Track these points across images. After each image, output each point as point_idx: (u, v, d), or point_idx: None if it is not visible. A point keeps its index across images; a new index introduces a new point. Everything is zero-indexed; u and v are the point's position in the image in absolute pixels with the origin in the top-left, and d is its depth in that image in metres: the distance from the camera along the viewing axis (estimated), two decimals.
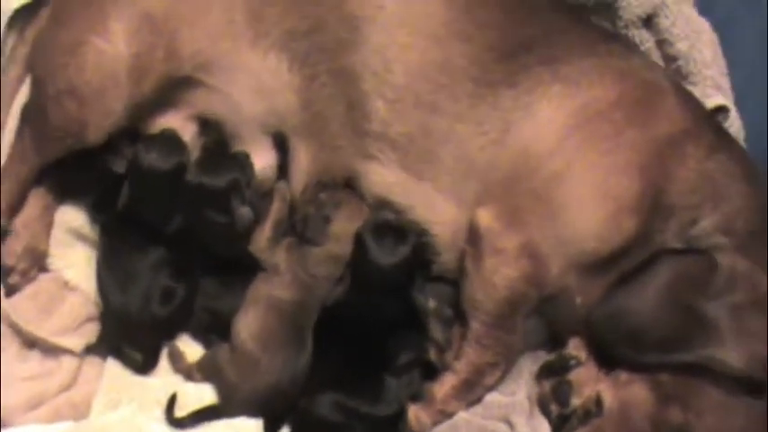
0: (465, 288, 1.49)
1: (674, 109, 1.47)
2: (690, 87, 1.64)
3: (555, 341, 1.55)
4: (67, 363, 1.63)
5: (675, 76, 1.66)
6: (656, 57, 1.69)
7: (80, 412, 1.59)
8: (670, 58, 1.68)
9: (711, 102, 1.64)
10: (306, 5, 1.55)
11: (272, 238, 1.60)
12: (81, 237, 1.70)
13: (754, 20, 1.70)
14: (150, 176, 1.58)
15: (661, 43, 1.69)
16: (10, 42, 1.75)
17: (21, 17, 1.73)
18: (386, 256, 1.52)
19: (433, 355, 1.55)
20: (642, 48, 1.69)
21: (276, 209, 1.61)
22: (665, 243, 1.44)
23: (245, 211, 1.57)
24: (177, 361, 1.63)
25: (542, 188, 1.44)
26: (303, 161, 1.60)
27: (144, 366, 1.62)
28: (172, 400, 1.55)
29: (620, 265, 1.44)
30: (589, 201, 1.42)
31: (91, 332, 1.65)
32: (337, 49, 1.53)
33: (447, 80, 1.50)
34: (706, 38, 1.68)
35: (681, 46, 1.66)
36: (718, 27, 1.70)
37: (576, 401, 1.46)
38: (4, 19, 1.72)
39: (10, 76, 1.72)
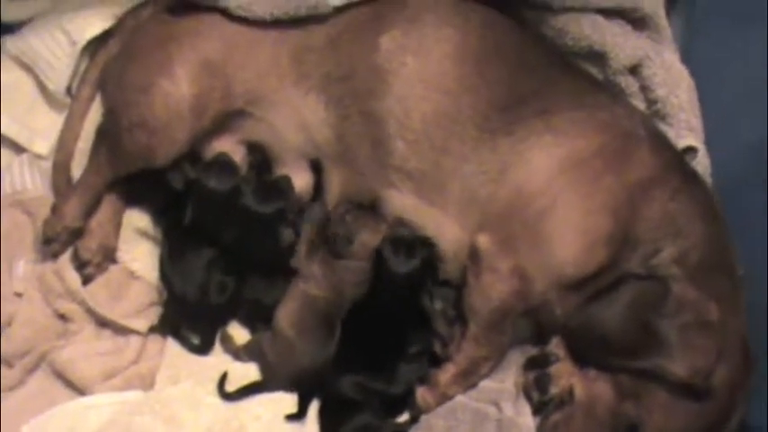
0: (465, 297, 1.61)
1: (646, 157, 1.58)
2: (666, 128, 1.74)
3: (539, 338, 1.66)
4: (134, 341, 1.77)
5: (655, 117, 1.75)
6: (639, 100, 1.78)
7: (147, 384, 1.73)
8: (651, 102, 1.77)
9: (684, 142, 1.73)
10: (341, 55, 1.67)
11: (308, 254, 1.73)
12: (145, 235, 1.86)
13: (732, 65, 1.77)
14: (210, 197, 1.70)
15: (644, 89, 1.77)
16: (82, 65, 1.89)
17: (92, 42, 1.87)
18: (400, 266, 1.65)
19: (437, 347, 1.68)
20: (627, 92, 1.77)
21: (308, 231, 1.74)
22: (630, 269, 1.54)
23: (287, 233, 1.72)
24: (228, 343, 1.77)
25: (531, 221, 1.55)
26: (335, 184, 1.72)
27: (202, 348, 1.76)
28: (223, 377, 1.69)
29: (593, 284, 1.55)
30: (569, 234, 1.54)
31: (153, 315, 1.80)
32: (366, 95, 1.65)
33: (456, 127, 1.61)
34: (684, 84, 1.76)
35: (660, 92, 1.75)
36: (696, 73, 1.79)
37: (553, 390, 1.59)
38: (80, 46, 1.85)
39: (82, 97, 1.88)
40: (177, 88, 1.67)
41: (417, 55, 1.64)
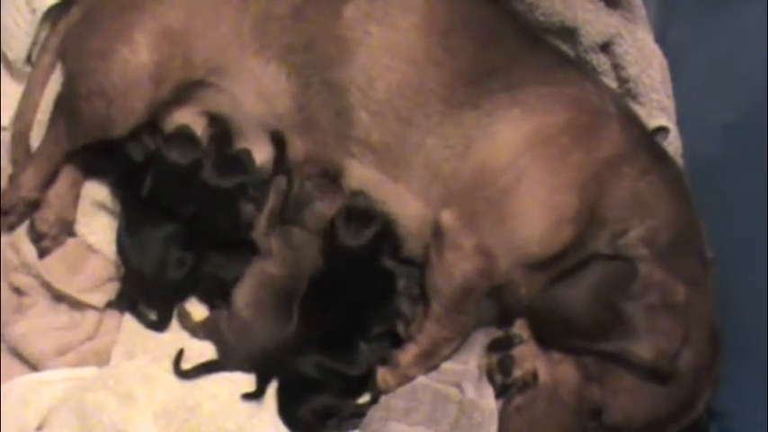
0: (428, 275, 1.59)
1: (615, 134, 1.56)
2: (637, 107, 1.72)
3: (503, 319, 1.65)
4: (91, 316, 1.74)
5: (626, 96, 1.74)
6: (610, 78, 1.76)
7: (102, 359, 1.70)
8: (623, 80, 1.75)
9: (655, 122, 1.71)
10: (304, 24, 1.64)
11: (268, 226, 1.69)
12: (103, 207, 1.82)
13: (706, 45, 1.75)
14: (170, 170, 1.68)
15: (615, 67, 1.75)
16: (43, 33, 1.85)
17: (53, 10, 1.84)
18: (351, 238, 1.61)
19: (400, 327, 1.66)
20: (599, 70, 1.76)
21: (272, 201, 1.70)
22: (596, 249, 1.52)
23: (248, 208, 1.69)
24: (185, 319, 1.74)
25: (496, 198, 1.53)
26: (298, 156, 1.69)
27: (159, 324, 1.73)
28: (179, 354, 1.66)
29: (558, 264, 1.53)
30: (535, 212, 1.52)
31: (111, 290, 1.77)
32: (328, 65, 1.62)
33: (421, 99, 1.59)
34: (656, 63, 1.74)
35: (632, 70, 1.73)
36: (669, 53, 1.77)
37: (517, 373, 1.58)
38: (39, 14, 1.81)
39: (42, 65, 1.85)
40: (136, 56, 1.65)
41: (382, 24, 1.62)
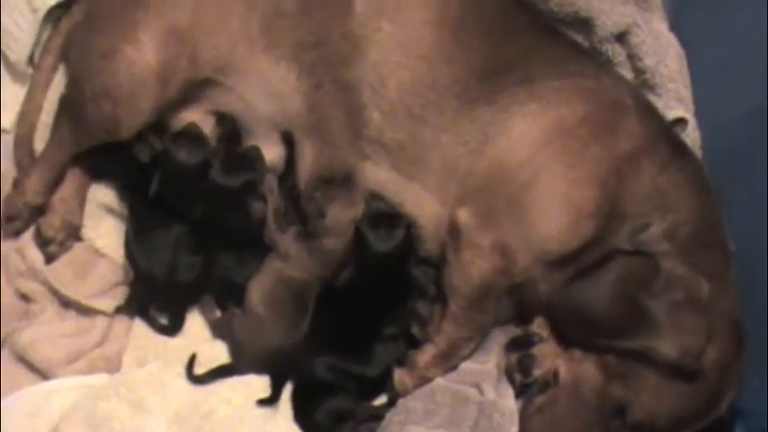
0: (445, 274, 1.57)
1: (634, 127, 1.54)
2: (655, 98, 1.69)
3: (522, 317, 1.63)
4: (100, 322, 1.72)
5: (643, 87, 1.71)
6: (626, 69, 1.74)
7: (112, 366, 1.69)
8: (639, 71, 1.73)
9: (673, 113, 1.69)
10: (313, 21, 1.61)
11: (276, 226, 1.67)
12: (110, 211, 1.80)
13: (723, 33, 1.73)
14: (178, 170, 1.66)
15: (632, 57, 1.73)
16: (45, 34, 1.82)
17: (55, 10, 1.81)
18: (383, 243, 1.60)
19: (416, 328, 1.65)
20: (614, 61, 1.73)
21: (270, 201, 1.68)
22: (617, 245, 1.51)
23: (258, 206, 1.67)
24: (209, 313, 1.72)
25: (514, 194, 1.52)
26: (308, 157, 1.67)
27: (170, 329, 1.71)
28: (192, 359, 1.65)
29: (578, 261, 1.52)
30: (553, 208, 1.50)
31: (120, 295, 1.75)
32: (340, 63, 1.59)
33: (434, 96, 1.57)
34: (673, 53, 1.72)
35: (649, 61, 1.70)
36: (685, 42, 1.74)
37: (537, 372, 1.56)
38: (41, 14, 1.78)
39: (45, 66, 1.82)
40: (142, 55, 1.62)
41: (394, 20, 1.59)
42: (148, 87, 1.63)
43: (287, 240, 1.67)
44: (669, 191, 1.53)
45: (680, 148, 1.61)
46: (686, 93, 1.73)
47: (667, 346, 1.46)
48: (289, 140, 1.70)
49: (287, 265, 1.67)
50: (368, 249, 1.62)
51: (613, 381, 1.51)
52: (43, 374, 1.68)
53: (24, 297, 1.76)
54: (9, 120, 1.88)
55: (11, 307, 1.74)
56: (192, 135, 1.69)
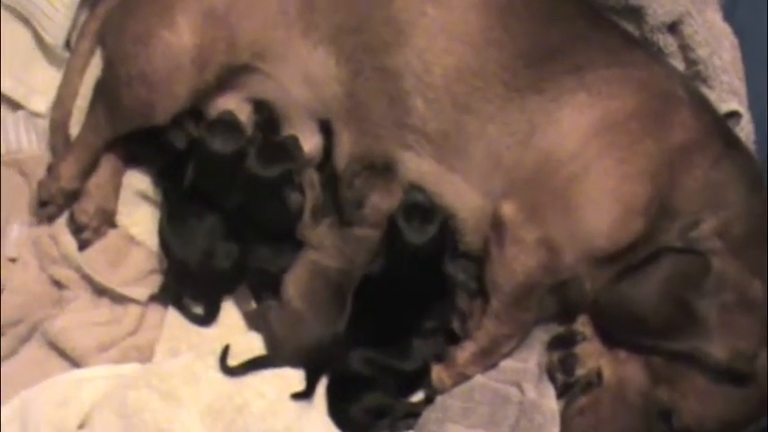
0: (487, 270, 1.55)
1: (687, 120, 1.50)
2: (707, 91, 1.65)
3: (565, 315, 1.59)
4: (133, 310, 1.71)
5: (695, 79, 1.67)
6: (678, 60, 1.69)
7: (145, 356, 1.67)
8: (691, 62, 1.68)
9: (726, 106, 1.64)
10: (353, 4, 1.58)
11: (312, 222, 1.65)
12: (145, 198, 1.79)
13: None
14: (213, 159, 1.64)
15: (683, 48, 1.69)
16: (81, 17, 1.82)
17: None
18: (416, 235, 1.57)
19: (456, 323, 1.62)
20: (666, 51, 1.68)
21: (309, 197, 1.66)
22: (667, 242, 1.47)
23: (295, 197, 1.65)
24: (245, 305, 1.71)
25: (561, 188, 1.48)
26: (346, 145, 1.64)
27: (205, 319, 1.69)
28: (225, 351, 1.62)
29: (626, 258, 1.48)
30: (602, 203, 1.47)
31: (154, 283, 1.73)
32: (381, 49, 1.57)
33: (481, 84, 1.53)
34: (727, 44, 1.68)
35: (701, 52, 1.66)
36: (740, 32, 1.70)
37: (580, 372, 1.53)
38: None
39: (81, 50, 1.81)
40: (178, 39, 1.60)
41: (439, 4, 1.56)
42: (185, 72, 1.62)
43: (322, 231, 1.65)
44: (722, 186, 1.50)
45: (734, 143, 1.57)
46: (740, 85, 1.68)
47: (718, 349, 1.42)
48: (327, 129, 1.68)
49: (322, 255, 1.65)
50: (400, 241, 1.59)
51: (660, 383, 1.48)
52: (74, 363, 1.67)
53: (57, 284, 1.75)
54: (45, 104, 1.88)
55: (43, 294, 1.73)
56: (227, 123, 1.67)
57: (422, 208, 1.60)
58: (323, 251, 1.65)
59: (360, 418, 1.60)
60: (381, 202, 1.62)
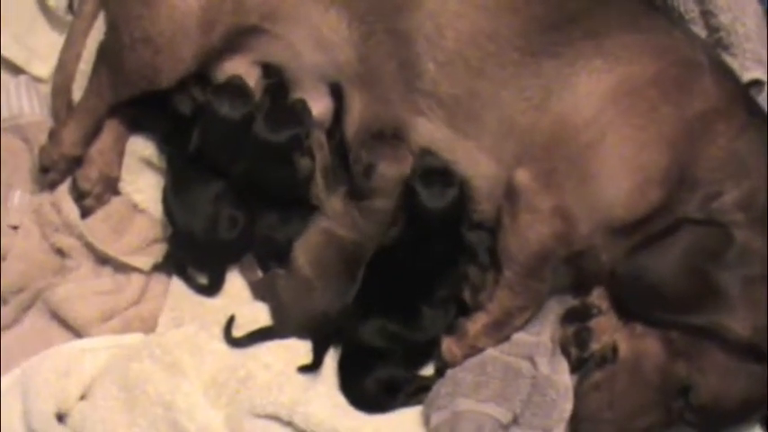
0: (500, 239, 1.52)
1: (709, 87, 1.47)
2: (729, 59, 1.61)
3: (580, 287, 1.57)
4: (136, 280, 1.70)
5: (717, 46, 1.63)
6: (699, 27, 1.65)
7: (148, 326, 1.66)
8: (713, 29, 1.64)
9: (749, 75, 1.60)
10: None
11: (325, 185, 1.63)
12: (150, 164, 1.77)
13: None
14: (221, 125, 1.62)
15: (705, 14, 1.65)
16: None
17: None
18: (437, 200, 1.54)
19: (467, 294, 1.59)
20: (687, 18, 1.65)
21: (319, 158, 1.63)
22: (687, 213, 1.45)
23: (305, 162, 1.62)
24: (250, 273, 1.68)
25: (577, 156, 1.46)
26: (356, 110, 1.62)
27: (209, 288, 1.68)
28: (230, 321, 1.61)
29: (644, 229, 1.46)
30: (620, 171, 1.44)
31: (157, 252, 1.72)
32: (394, 12, 1.54)
33: (494, 48, 1.50)
34: (750, 10, 1.63)
35: (723, 18, 1.62)
36: None
37: (594, 347, 1.51)
38: None
39: (84, 13, 1.79)
40: (184, 0, 1.58)
41: None
42: (190, 34, 1.59)
43: (335, 200, 1.63)
44: (745, 157, 1.46)
45: (757, 113, 1.54)
46: (764, 53, 1.64)
47: (739, 324, 1.39)
48: (337, 93, 1.65)
49: (336, 224, 1.62)
50: (419, 207, 1.55)
51: (677, 359, 1.45)
52: (76, 332, 1.66)
53: (59, 252, 1.73)
54: (47, 69, 1.86)
55: (45, 262, 1.72)
56: (235, 88, 1.65)
57: (439, 171, 1.56)
58: (337, 220, 1.62)
59: (374, 390, 1.57)
60: (389, 170, 1.59)
